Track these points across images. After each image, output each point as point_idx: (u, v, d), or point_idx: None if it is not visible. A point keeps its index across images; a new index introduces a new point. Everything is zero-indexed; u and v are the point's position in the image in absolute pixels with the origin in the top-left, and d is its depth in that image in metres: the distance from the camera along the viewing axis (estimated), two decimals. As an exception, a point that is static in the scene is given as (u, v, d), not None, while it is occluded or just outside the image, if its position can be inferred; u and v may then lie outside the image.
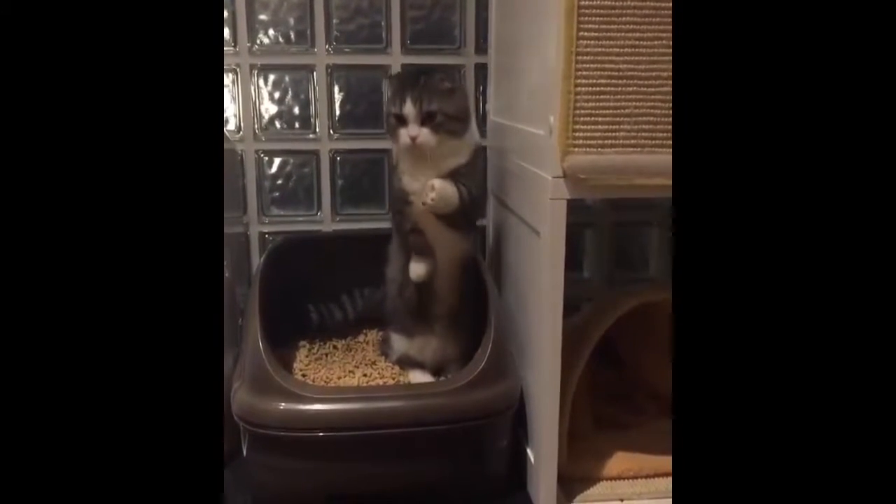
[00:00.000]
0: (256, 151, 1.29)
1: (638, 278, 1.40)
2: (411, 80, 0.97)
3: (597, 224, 1.37)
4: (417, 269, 1.01)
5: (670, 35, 0.78)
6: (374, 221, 1.33)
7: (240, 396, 0.90)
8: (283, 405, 0.87)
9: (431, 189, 0.96)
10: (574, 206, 0.84)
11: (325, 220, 1.32)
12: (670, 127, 0.80)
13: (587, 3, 0.76)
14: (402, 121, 0.96)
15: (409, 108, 0.95)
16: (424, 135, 0.95)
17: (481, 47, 1.27)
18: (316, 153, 1.30)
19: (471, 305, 1.06)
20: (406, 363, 1.09)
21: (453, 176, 0.98)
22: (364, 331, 1.24)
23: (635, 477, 0.95)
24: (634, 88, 0.79)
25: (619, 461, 0.97)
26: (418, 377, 1.06)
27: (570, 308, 0.87)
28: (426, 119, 0.95)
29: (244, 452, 0.93)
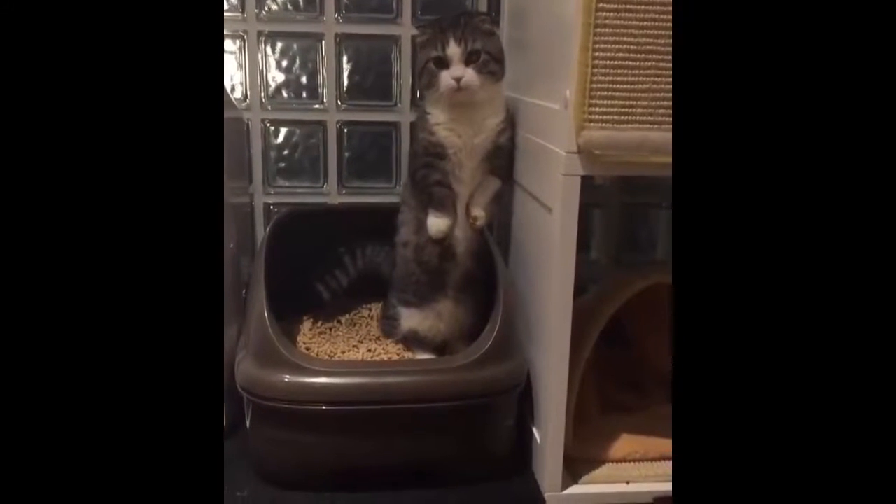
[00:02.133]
0: (263, 120, 1.27)
1: (646, 260, 1.39)
2: (452, 22, 0.96)
3: (605, 204, 1.36)
4: (438, 224, 1.00)
5: (693, 9, 0.76)
6: (381, 195, 1.31)
7: (244, 368, 0.89)
8: (287, 377, 0.86)
9: (475, 220, 1.01)
10: (583, 186, 0.82)
11: (330, 193, 1.31)
12: (689, 104, 0.78)
13: (608, -27, 0.74)
14: (443, 64, 0.95)
15: (453, 49, 0.94)
16: (469, 75, 0.94)
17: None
18: (323, 124, 1.28)
19: (483, 274, 1.05)
20: (412, 341, 1.07)
21: (495, 139, 0.99)
22: (368, 305, 1.22)
23: (641, 460, 0.95)
24: (653, 63, 0.77)
25: (625, 444, 0.96)
26: (424, 357, 1.05)
27: (576, 289, 0.85)
28: (470, 59, 0.94)
29: (247, 424, 0.93)
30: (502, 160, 1.01)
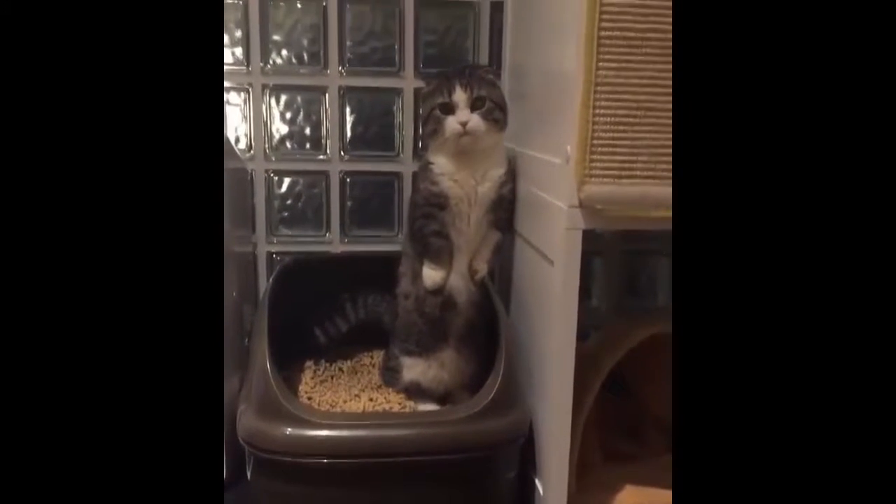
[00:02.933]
0: (266, 171, 1.28)
1: (647, 306, 1.39)
2: (457, 71, 0.99)
3: (606, 252, 1.37)
4: (433, 276, 1.01)
5: (690, 67, 0.78)
6: (383, 243, 1.32)
7: (246, 420, 0.89)
8: (289, 430, 0.86)
9: (476, 272, 1.03)
10: (584, 237, 0.83)
11: (333, 241, 1.32)
12: (688, 159, 0.79)
13: (608, 33, 0.76)
14: (449, 109, 0.97)
15: (458, 95, 0.96)
16: (475, 120, 0.96)
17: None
18: (326, 174, 1.30)
19: (484, 322, 1.05)
20: (414, 392, 1.07)
21: (498, 190, 1.00)
22: (370, 353, 1.23)
23: (645, 511, 0.94)
24: (653, 120, 0.78)
25: (629, 495, 0.95)
26: (426, 408, 1.05)
27: (578, 335, 0.86)
28: (476, 104, 0.96)
29: (248, 476, 0.92)
30: (503, 212, 1.02)
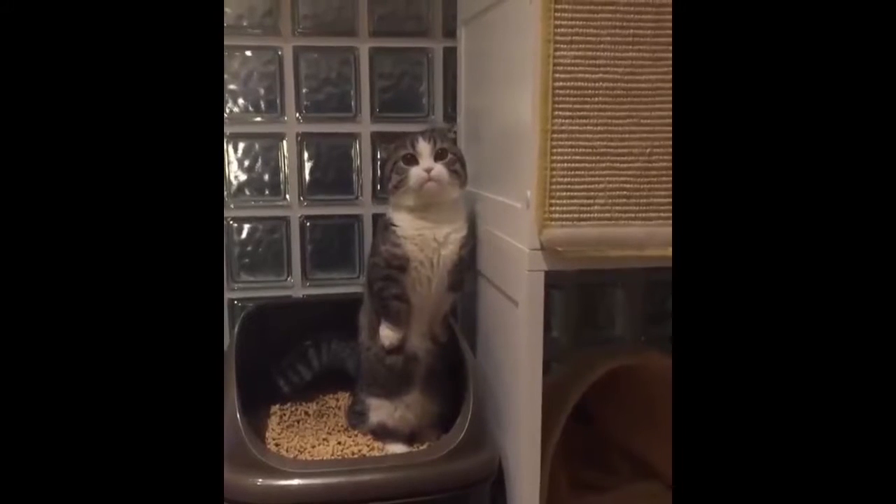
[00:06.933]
0: (226, 218, 1.28)
1: (605, 337, 1.43)
2: (420, 130, 1.01)
3: (564, 285, 1.40)
4: (391, 337, 1.02)
5: (641, 113, 0.81)
6: (345, 286, 1.33)
7: (218, 473, 0.89)
8: (260, 480, 0.86)
9: (437, 336, 1.05)
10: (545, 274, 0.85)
11: (295, 286, 1.32)
12: (642, 200, 0.83)
13: (562, 84, 0.79)
14: (413, 160, 0.99)
15: (422, 145, 0.98)
16: (439, 168, 0.98)
17: (449, 116, 1.30)
18: (286, 219, 1.30)
19: (449, 365, 1.07)
20: (382, 433, 1.08)
21: (459, 251, 1.01)
22: (335, 395, 1.23)
23: (617, 542, 0.96)
24: (608, 164, 0.82)
25: (598, 526, 0.97)
26: (394, 448, 1.06)
27: (541, 370, 0.88)
28: (439, 155, 0.99)
29: (221, 530, 0.92)
30: (461, 274, 1.03)
